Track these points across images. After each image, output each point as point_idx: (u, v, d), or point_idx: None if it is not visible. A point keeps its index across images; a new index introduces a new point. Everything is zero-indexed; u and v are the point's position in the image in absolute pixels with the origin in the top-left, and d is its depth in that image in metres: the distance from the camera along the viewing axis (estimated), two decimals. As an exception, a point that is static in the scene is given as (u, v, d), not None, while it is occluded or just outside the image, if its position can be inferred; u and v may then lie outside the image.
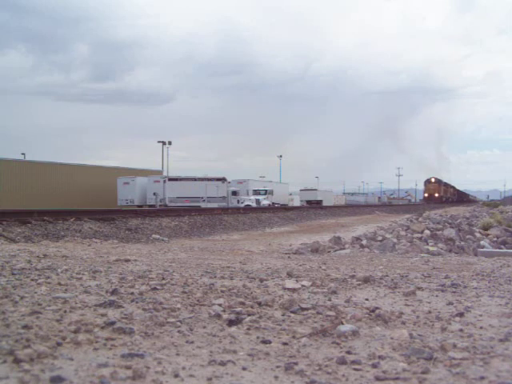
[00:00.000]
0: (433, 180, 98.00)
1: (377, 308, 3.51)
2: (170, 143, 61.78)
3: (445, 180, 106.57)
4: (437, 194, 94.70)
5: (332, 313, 3.36)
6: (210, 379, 2.17)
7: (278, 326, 3.04)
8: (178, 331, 2.87)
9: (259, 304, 3.62)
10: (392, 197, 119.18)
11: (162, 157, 60.85)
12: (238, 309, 3.41)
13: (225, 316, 3.21)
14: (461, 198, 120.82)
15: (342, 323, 3.07)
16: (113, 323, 2.91)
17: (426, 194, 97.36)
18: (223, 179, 42.23)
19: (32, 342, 2.52)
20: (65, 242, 10.86)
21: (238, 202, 41.71)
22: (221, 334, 2.86)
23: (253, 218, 23.72)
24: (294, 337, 2.84)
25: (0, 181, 39.06)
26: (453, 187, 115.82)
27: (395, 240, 10.66)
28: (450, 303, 3.82)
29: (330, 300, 3.90)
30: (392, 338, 2.82)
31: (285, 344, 2.70)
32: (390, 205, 72.61)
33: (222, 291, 4.11)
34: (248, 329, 2.98)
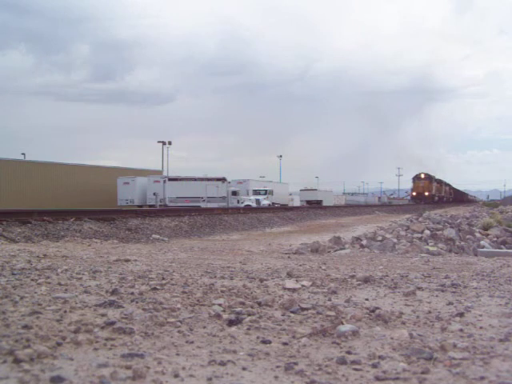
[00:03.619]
0: (422, 176, 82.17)
1: (377, 308, 3.51)
2: (170, 143, 61.84)
3: (439, 177, 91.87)
4: (427, 193, 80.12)
5: (332, 313, 3.36)
6: (210, 379, 2.17)
7: (278, 326, 3.04)
8: (178, 331, 2.87)
9: (259, 304, 3.62)
10: (392, 197, 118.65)
11: (162, 157, 60.93)
12: (238, 309, 3.41)
13: (225, 316, 3.21)
14: (458, 197, 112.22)
15: (342, 323, 3.07)
16: (113, 323, 2.91)
17: (414, 193, 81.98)
18: (223, 179, 42.22)
19: (32, 342, 2.52)
20: (65, 241, 10.85)
21: (238, 202, 41.70)
22: (221, 334, 2.86)
23: (253, 218, 23.71)
24: (294, 337, 2.84)
25: (0, 181, 39.06)
26: (448, 185, 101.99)
27: (395, 240, 10.66)
28: (450, 303, 3.82)
29: (330, 300, 3.90)
30: (392, 338, 2.82)
31: (285, 344, 2.70)
32: (389, 205, 72.18)
33: (222, 291, 4.11)
34: (248, 329, 2.98)
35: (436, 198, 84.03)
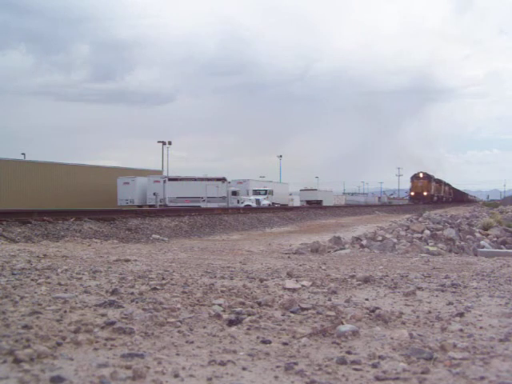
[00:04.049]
0: (421, 175, 79.93)
1: (377, 308, 3.51)
2: (170, 143, 61.90)
3: (438, 177, 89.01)
4: (426, 193, 77.55)
5: (332, 313, 3.36)
6: (210, 379, 2.17)
7: (277, 326, 3.04)
8: (178, 331, 2.87)
9: (259, 304, 3.62)
10: (392, 197, 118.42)
11: (162, 157, 60.96)
12: (238, 309, 3.42)
13: (225, 316, 3.21)
14: (458, 197, 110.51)
15: (342, 323, 3.07)
16: (113, 323, 2.91)
17: (413, 193, 79.60)
18: (223, 179, 42.23)
19: (32, 342, 2.52)
20: (65, 242, 10.85)
21: (238, 202, 41.70)
22: (221, 334, 2.86)
23: (253, 218, 23.71)
24: (294, 337, 2.84)
25: (0, 181, 39.07)
26: (448, 185, 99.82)
27: (395, 240, 10.66)
28: (450, 303, 3.82)
29: (330, 300, 3.90)
30: (392, 338, 2.82)
31: (285, 344, 2.70)
32: (390, 205, 71.99)
33: (222, 291, 4.11)
34: (248, 329, 2.98)
35: (435, 198, 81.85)
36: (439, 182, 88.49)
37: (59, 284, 4.23)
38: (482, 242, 11.42)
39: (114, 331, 2.79)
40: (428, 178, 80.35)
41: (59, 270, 5.08)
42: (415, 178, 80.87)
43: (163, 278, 4.73)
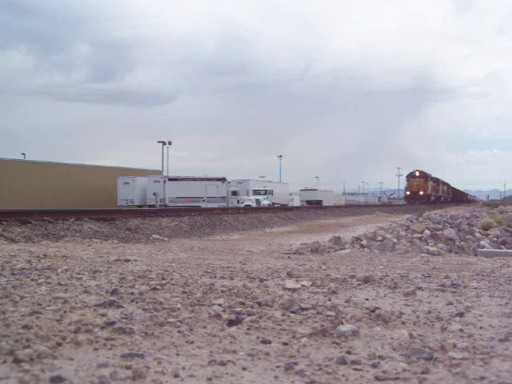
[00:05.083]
0: (417, 174, 75.71)
1: (377, 308, 3.51)
2: (170, 143, 61.89)
3: (437, 176, 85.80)
4: (422, 192, 73.56)
5: (332, 313, 3.36)
6: (210, 379, 2.17)
7: (277, 326, 3.05)
8: (178, 331, 2.87)
9: (259, 304, 3.62)
10: (392, 197, 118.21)
11: (162, 157, 60.95)
12: (238, 309, 3.42)
13: (225, 316, 3.21)
14: (458, 197, 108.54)
15: (342, 323, 3.07)
16: (113, 323, 2.91)
17: (408, 192, 75.46)
18: (223, 179, 42.22)
19: (32, 342, 2.52)
20: (65, 242, 10.86)
21: (238, 202, 41.69)
22: (221, 334, 2.86)
23: (253, 218, 23.70)
24: (294, 337, 2.84)
25: (0, 181, 39.07)
26: (446, 184, 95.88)
27: (395, 240, 10.66)
28: (450, 303, 3.82)
29: (330, 300, 3.90)
30: (392, 338, 2.82)
31: (285, 344, 2.70)
32: (390, 205, 71.75)
33: (222, 291, 4.11)
34: (248, 329, 2.98)
35: (432, 198, 78.47)
36: (437, 180, 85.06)
37: (59, 284, 4.23)
38: (482, 242, 11.42)
39: (113, 331, 2.80)
40: (424, 176, 76.57)
41: (59, 270, 5.08)
42: (411, 176, 77.00)
43: (163, 278, 4.73)
